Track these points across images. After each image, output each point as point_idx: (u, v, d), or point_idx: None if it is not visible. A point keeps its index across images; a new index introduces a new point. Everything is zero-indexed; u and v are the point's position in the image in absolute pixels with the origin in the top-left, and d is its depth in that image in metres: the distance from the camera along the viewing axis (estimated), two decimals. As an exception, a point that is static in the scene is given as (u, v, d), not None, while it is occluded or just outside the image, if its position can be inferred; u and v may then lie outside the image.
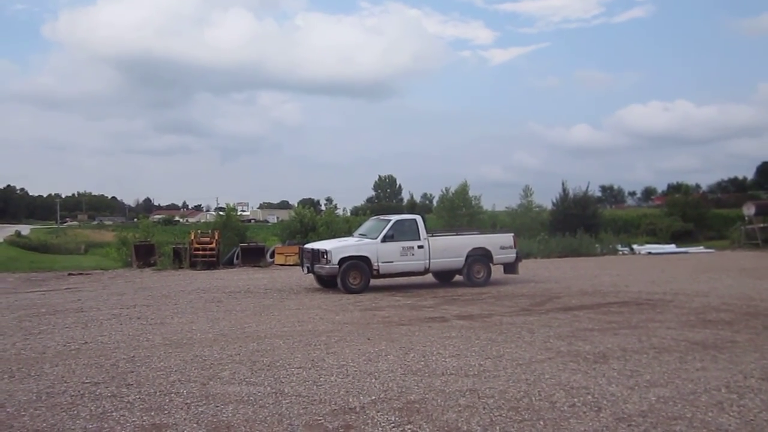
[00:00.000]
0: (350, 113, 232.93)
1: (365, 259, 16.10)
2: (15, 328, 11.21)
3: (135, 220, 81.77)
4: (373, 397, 6.50)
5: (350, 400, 6.44)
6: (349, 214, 52.35)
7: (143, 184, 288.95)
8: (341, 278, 15.83)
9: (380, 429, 5.55)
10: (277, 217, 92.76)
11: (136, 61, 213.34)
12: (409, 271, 16.83)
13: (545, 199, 53.42)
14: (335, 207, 57.16)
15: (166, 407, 6.29)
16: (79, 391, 6.91)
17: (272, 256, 26.49)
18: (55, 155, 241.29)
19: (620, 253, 34.82)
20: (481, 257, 17.23)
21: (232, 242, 28.67)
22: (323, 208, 65.63)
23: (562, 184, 46.20)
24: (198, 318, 12.14)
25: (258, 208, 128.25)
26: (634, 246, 36.66)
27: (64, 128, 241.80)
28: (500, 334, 10.03)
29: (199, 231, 27.80)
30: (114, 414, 6.09)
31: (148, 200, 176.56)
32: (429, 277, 18.05)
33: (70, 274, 23.38)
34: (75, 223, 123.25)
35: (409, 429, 5.54)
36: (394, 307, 13.45)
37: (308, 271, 16.83)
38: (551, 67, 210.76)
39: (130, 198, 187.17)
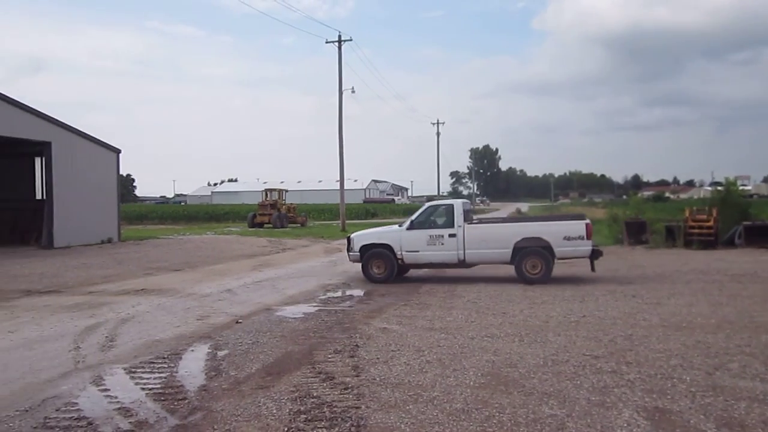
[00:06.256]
0: None
1: (389, 248, 14.94)
2: (521, 296, 12.39)
3: (623, 197, 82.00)
4: None
5: None
6: None
7: (631, 160, 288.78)
8: (363, 266, 15.20)
9: None
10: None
11: (623, 36, 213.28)
12: (439, 261, 15.01)
13: None
14: None
15: (668, 392, 6.04)
16: (580, 363, 7.19)
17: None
18: (548, 137, 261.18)
19: None
20: (537, 249, 14.18)
21: (733, 220, 25.97)
22: None
23: None
24: (697, 301, 11.37)
25: (762, 181, 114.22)
26: None
27: (555, 111, 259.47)
28: None
29: (694, 208, 26.11)
30: (615, 390, 6.13)
31: (636, 177, 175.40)
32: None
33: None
34: (567, 200, 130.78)
35: None
36: None
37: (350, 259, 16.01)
38: None
39: (618, 175, 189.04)
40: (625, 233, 26.53)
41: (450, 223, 14.83)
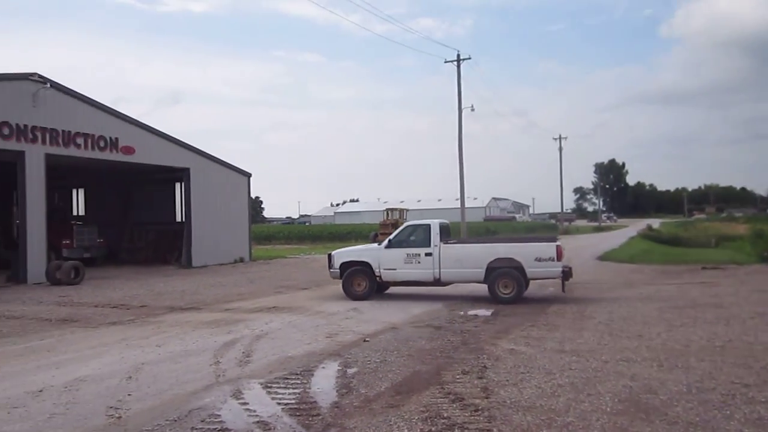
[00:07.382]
0: None
1: (368, 265, 15.46)
2: (658, 318, 11.73)
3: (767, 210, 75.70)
4: None
5: None
6: None
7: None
8: (343, 283, 15.74)
9: None
10: None
11: (762, 38, 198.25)
12: (415, 280, 15.40)
13: None
14: None
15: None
16: (729, 391, 6.69)
17: None
18: (679, 149, 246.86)
19: None
20: (510, 270, 14.32)
21: None
22: None
23: None
24: None
25: None
26: None
27: (686, 121, 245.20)
28: None
29: None
30: (772, 423, 5.64)
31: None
32: None
33: (703, 268, 23.18)
34: (702, 216, 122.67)
35: None
36: None
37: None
38: None
39: (761, 188, 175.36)
40: (772, 250, 24.51)
41: (426, 243, 15.18)
